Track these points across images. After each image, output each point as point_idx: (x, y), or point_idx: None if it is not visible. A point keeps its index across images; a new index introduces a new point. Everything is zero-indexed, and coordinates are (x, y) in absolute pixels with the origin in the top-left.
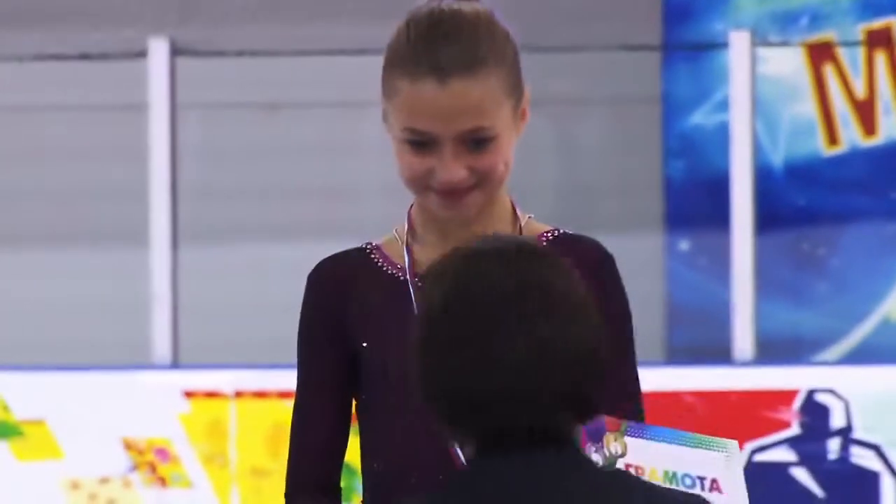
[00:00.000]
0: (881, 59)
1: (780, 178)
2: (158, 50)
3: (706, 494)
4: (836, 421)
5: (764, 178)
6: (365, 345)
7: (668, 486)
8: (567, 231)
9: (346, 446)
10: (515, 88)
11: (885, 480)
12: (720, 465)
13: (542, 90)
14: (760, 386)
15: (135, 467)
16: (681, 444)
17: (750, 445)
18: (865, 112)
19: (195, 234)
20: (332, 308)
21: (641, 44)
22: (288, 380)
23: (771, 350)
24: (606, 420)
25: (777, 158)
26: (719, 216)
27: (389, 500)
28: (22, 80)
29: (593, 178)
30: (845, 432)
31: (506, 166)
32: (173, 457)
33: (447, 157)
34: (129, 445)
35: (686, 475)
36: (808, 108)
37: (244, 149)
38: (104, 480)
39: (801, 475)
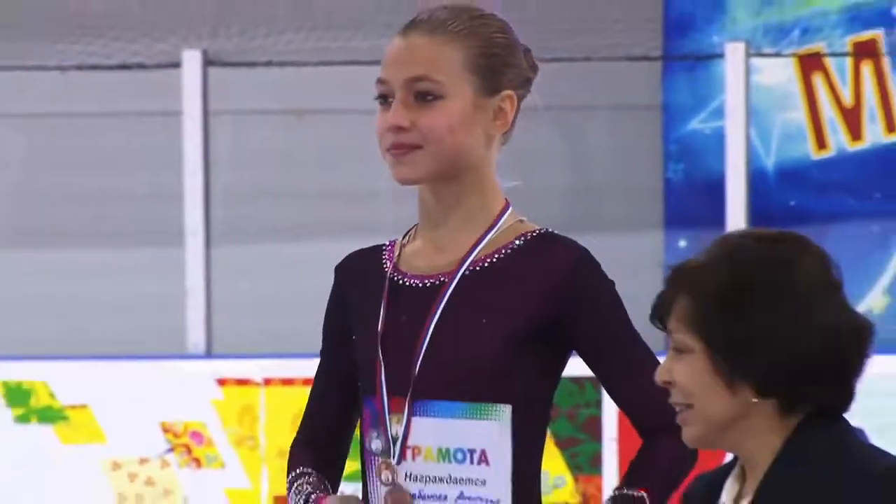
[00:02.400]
0: (867, 69)
1: (772, 181)
2: (192, 60)
3: (474, 467)
4: None
5: (757, 181)
6: (354, 337)
7: (440, 463)
8: (550, 231)
9: (348, 424)
10: (484, 74)
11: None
12: (493, 434)
13: (550, 98)
14: None
15: (172, 449)
16: (458, 417)
17: None
18: (852, 119)
19: (227, 233)
20: (339, 301)
21: (643, 55)
22: (313, 368)
23: None
24: (390, 402)
25: (769, 162)
26: (715, 216)
27: (366, 484)
28: (65, 88)
29: (598, 180)
30: None
31: (457, 143)
32: (207, 439)
33: (395, 103)
34: (166, 429)
35: (458, 450)
36: (799, 115)
37: (272, 153)
38: (143, 461)
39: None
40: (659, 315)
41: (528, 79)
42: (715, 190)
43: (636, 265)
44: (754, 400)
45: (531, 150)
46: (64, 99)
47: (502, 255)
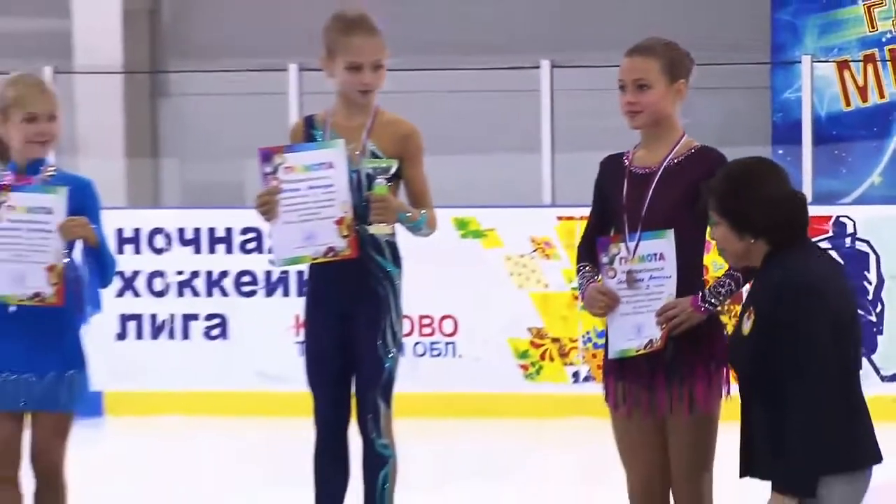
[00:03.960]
0: (870, 67)
1: (824, 121)
2: (545, 68)
3: (657, 262)
4: (849, 230)
5: (815, 121)
6: (607, 198)
7: (641, 263)
8: (707, 146)
9: (601, 234)
10: (669, 73)
11: (871, 257)
12: (665, 244)
13: (710, 83)
14: (814, 214)
15: (535, 250)
16: (651, 239)
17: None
18: (862, 90)
19: (562, 146)
20: (601, 179)
21: (760, 61)
22: None
23: (818, 197)
24: (611, 237)
25: (822, 112)
26: (797, 139)
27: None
28: (471, 81)
29: (738, 122)
30: (853, 234)
31: (659, 109)
32: (552, 245)
33: (628, 91)
34: (532, 240)
35: (649, 255)
36: (835, 90)
37: (586, 110)
38: (521, 255)
39: (834, 255)
40: (706, 209)
41: (690, 69)
42: (797, 126)
43: None
44: (752, 241)
45: (699, 111)
46: (471, 84)
47: (682, 157)
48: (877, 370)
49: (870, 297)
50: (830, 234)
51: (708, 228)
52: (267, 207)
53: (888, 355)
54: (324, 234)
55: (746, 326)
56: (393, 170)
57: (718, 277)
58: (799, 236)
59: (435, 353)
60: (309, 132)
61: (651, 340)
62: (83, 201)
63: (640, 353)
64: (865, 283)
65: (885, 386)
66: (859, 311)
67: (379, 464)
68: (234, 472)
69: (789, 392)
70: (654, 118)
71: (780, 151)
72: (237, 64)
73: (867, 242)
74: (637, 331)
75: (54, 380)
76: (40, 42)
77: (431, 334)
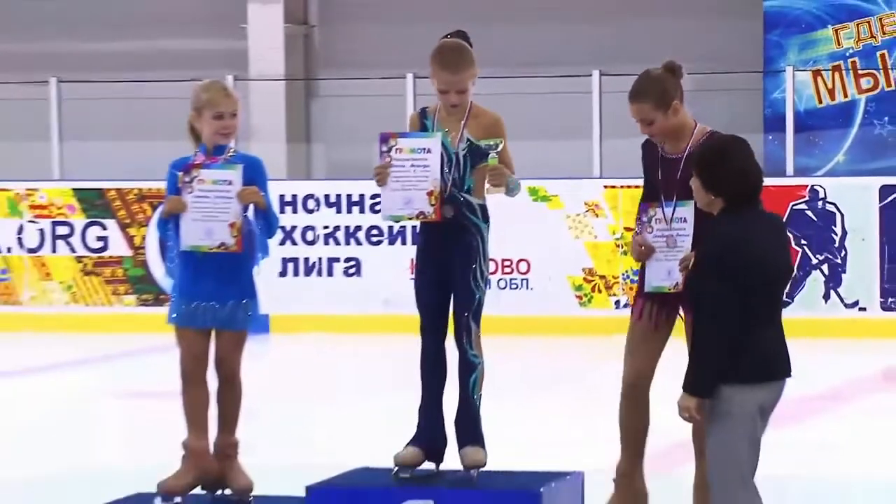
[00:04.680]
0: (837, 76)
1: (802, 115)
2: (595, 76)
3: (682, 223)
4: (821, 195)
5: (796, 115)
6: (650, 171)
7: (672, 225)
8: (716, 132)
9: (649, 197)
10: (662, 104)
11: (837, 216)
12: (689, 211)
13: (717, 86)
14: (794, 184)
15: (587, 210)
16: (681, 206)
17: (791, 204)
18: (831, 91)
19: (608, 133)
20: (644, 158)
21: (755, 70)
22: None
23: (798, 171)
24: (650, 203)
25: (801, 108)
26: (782, 128)
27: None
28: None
29: (731, 119)
30: (824, 199)
31: (667, 131)
32: (601, 207)
33: (641, 126)
34: (585, 203)
35: (677, 217)
36: (811, 92)
37: (622, 113)
38: (577, 214)
39: (809, 214)
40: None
41: (678, 85)
42: (782, 118)
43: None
44: (713, 197)
45: (709, 107)
46: (542, 88)
47: (698, 143)
48: (841, 299)
49: (836, 245)
50: (807, 198)
51: None
52: (380, 177)
53: (849, 288)
54: (418, 201)
55: (691, 262)
56: (501, 146)
57: None
58: (750, 201)
59: (513, 286)
60: (422, 121)
61: (676, 283)
62: (255, 175)
63: (669, 291)
64: (833, 235)
65: (846, 311)
66: (828, 256)
67: (470, 369)
68: (364, 375)
69: (708, 315)
70: (667, 135)
71: (770, 137)
72: (369, 73)
73: (834, 205)
74: (668, 273)
75: (233, 306)
76: (225, 57)
77: (510, 273)
